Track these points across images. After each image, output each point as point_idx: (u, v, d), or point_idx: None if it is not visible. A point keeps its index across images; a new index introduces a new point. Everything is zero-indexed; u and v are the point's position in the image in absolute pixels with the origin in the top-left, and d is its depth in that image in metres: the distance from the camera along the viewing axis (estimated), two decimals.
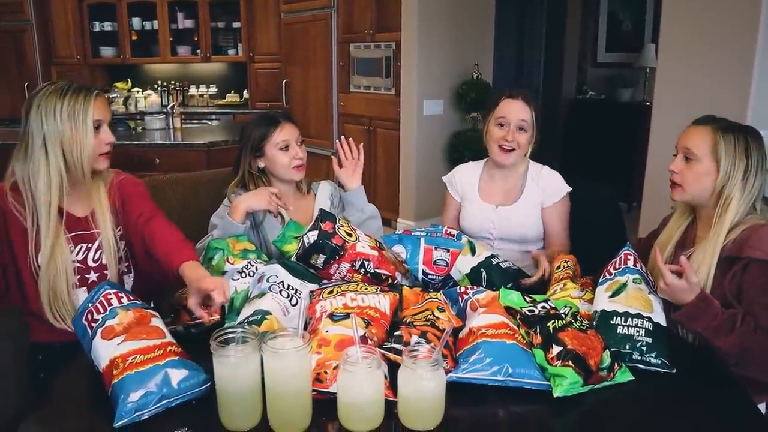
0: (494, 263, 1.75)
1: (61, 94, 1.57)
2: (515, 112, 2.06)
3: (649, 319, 1.38)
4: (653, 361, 1.34)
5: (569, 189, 2.11)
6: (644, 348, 1.34)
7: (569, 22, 5.95)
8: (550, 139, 5.91)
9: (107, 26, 6.45)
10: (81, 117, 1.58)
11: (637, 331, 1.36)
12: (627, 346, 1.35)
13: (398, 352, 1.24)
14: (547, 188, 2.10)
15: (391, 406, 1.17)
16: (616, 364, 1.30)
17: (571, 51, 6.10)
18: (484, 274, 1.73)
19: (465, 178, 2.23)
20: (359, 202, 2.09)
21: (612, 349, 1.32)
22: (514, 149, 2.06)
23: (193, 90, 6.81)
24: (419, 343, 1.27)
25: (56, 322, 1.60)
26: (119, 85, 6.64)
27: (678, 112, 2.97)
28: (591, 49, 6.19)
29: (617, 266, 1.51)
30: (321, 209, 1.72)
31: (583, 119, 5.97)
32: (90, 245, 1.68)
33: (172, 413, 1.19)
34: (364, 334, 1.30)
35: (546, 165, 2.19)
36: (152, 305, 1.53)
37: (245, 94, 6.69)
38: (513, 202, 2.13)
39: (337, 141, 2.15)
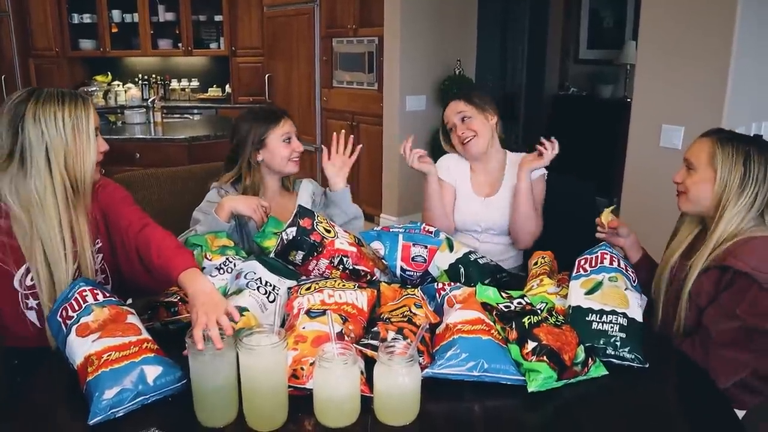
0: (472, 259, 1.76)
1: (58, 101, 1.46)
2: (452, 110, 2.19)
3: (624, 315, 1.40)
4: (627, 355, 1.35)
5: (544, 171, 2.17)
6: (618, 343, 1.36)
7: (551, 18, 5.98)
8: (532, 135, 5.94)
9: (86, 18, 6.37)
10: (84, 125, 1.48)
11: (612, 327, 1.38)
12: (601, 341, 1.36)
13: (375, 348, 1.25)
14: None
15: (367, 402, 1.18)
16: (590, 359, 1.31)
17: (553, 47, 6.13)
18: (462, 270, 1.73)
19: (456, 167, 2.26)
20: (343, 204, 2.12)
21: (586, 344, 1.34)
22: (473, 137, 2.15)
23: (174, 84, 6.74)
24: (396, 339, 1.27)
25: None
26: (99, 78, 6.57)
27: (656, 109, 3.01)
28: (573, 45, 6.22)
29: (593, 264, 1.52)
30: (299, 205, 1.71)
31: (565, 115, 6.00)
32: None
33: (147, 410, 1.18)
34: (341, 330, 1.30)
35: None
36: (129, 302, 1.53)
37: (227, 88, 6.65)
38: (496, 192, 2.20)
39: (334, 133, 2.21)
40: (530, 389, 1.23)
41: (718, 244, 1.51)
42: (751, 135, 1.61)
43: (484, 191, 2.22)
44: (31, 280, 1.49)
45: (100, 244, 1.62)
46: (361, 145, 2.25)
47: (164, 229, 1.58)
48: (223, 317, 1.21)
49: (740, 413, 1.35)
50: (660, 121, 3.00)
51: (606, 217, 1.77)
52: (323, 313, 1.32)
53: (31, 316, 1.52)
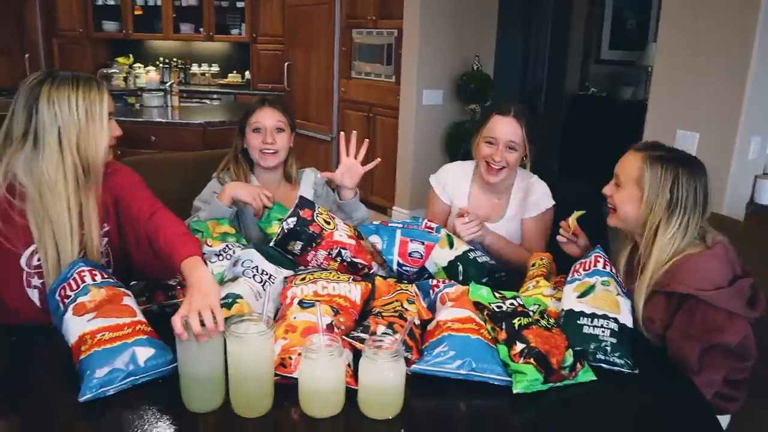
0: (471, 257, 1.76)
1: (73, 84, 1.46)
2: (504, 132, 2.00)
3: (615, 320, 1.40)
4: (617, 361, 1.35)
5: (552, 204, 2.09)
6: (608, 348, 1.36)
7: (574, 18, 5.92)
8: (550, 134, 5.90)
9: (110, 0, 6.42)
10: (97, 110, 1.48)
11: (603, 332, 1.38)
12: (592, 346, 1.36)
13: (364, 341, 1.26)
14: (529, 200, 2.08)
15: (353, 395, 1.19)
16: (578, 363, 1.31)
17: (575, 46, 6.07)
18: (460, 267, 1.73)
19: (455, 184, 2.17)
20: (347, 210, 2.06)
21: (576, 348, 1.34)
22: (503, 167, 2.02)
23: (195, 68, 6.78)
24: (385, 333, 1.28)
25: None
26: (121, 60, 6.63)
27: (671, 113, 2.97)
28: (595, 45, 6.15)
29: (587, 267, 1.52)
30: (300, 196, 1.73)
31: (583, 115, 5.95)
32: (80, 248, 1.53)
33: (138, 391, 1.21)
34: (331, 322, 1.32)
35: (536, 174, 2.15)
36: (133, 284, 1.55)
37: (247, 74, 6.68)
38: (498, 219, 2.10)
39: (342, 134, 2.09)
40: (515, 390, 1.23)
41: (657, 269, 1.48)
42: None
43: (485, 213, 2.07)
44: (38, 260, 1.50)
45: (107, 228, 1.61)
46: (379, 160, 2.14)
47: (174, 215, 1.56)
48: (207, 312, 1.19)
49: (722, 419, 1.35)
50: (675, 126, 2.96)
51: (572, 221, 1.74)
52: (314, 304, 1.33)
53: (34, 295, 1.54)
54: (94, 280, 1.36)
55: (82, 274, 1.36)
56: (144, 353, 1.23)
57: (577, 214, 1.76)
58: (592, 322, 1.39)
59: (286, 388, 1.20)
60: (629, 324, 1.42)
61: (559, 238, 1.75)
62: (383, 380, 1.15)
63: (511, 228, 2.09)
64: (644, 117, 3.19)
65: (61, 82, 1.46)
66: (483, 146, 2.04)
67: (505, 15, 4.93)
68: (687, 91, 2.91)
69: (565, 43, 5.84)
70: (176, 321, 1.17)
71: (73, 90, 1.46)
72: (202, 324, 1.18)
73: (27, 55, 6.13)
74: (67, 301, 1.32)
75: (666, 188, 1.48)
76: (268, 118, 2.04)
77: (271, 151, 2.04)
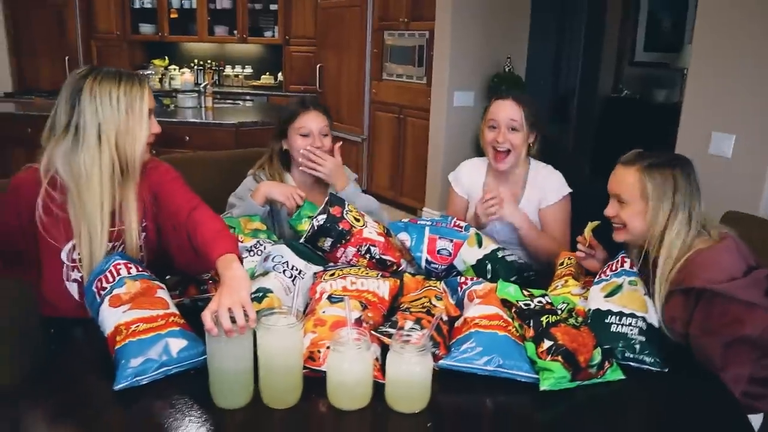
0: (500, 256, 1.76)
1: (115, 79, 1.48)
2: (504, 111, 2.04)
3: (643, 319, 1.39)
4: (646, 359, 1.34)
5: (568, 191, 2.08)
6: (637, 346, 1.35)
7: (608, 19, 5.85)
8: (583, 137, 5.84)
9: (147, 3, 6.57)
10: (138, 106, 1.50)
11: (631, 330, 1.37)
12: (620, 344, 1.35)
13: (391, 336, 1.27)
14: (544, 189, 2.08)
15: (380, 388, 1.20)
16: (606, 362, 1.30)
17: (609, 48, 6.00)
18: (489, 266, 1.74)
19: (471, 176, 2.22)
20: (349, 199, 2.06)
21: (605, 347, 1.33)
22: (508, 151, 2.04)
23: (228, 70, 6.90)
24: (413, 328, 1.29)
25: None
26: (156, 62, 6.76)
27: (706, 115, 2.92)
28: (629, 47, 6.07)
29: (614, 268, 1.51)
30: (330, 194, 1.75)
31: (616, 118, 5.88)
32: (116, 243, 1.57)
33: (170, 381, 1.24)
34: (360, 316, 1.33)
35: (550, 164, 2.16)
36: (168, 278, 1.58)
37: (280, 76, 6.75)
38: None
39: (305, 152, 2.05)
40: (542, 388, 1.23)
41: (669, 269, 1.47)
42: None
43: (507, 195, 2.05)
44: (78, 254, 1.53)
45: (145, 224, 1.62)
46: (340, 142, 2.14)
47: (213, 211, 1.57)
48: (238, 308, 1.18)
49: (754, 418, 1.33)
50: (710, 128, 2.91)
51: (588, 233, 1.73)
52: (343, 299, 1.35)
53: (72, 288, 1.57)
54: (129, 272, 1.40)
55: (118, 266, 1.40)
56: (177, 344, 1.26)
57: (591, 225, 1.74)
58: (620, 320, 1.38)
59: (314, 382, 1.22)
60: (656, 324, 1.41)
61: (577, 253, 1.75)
62: (410, 374, 1.16)
63: (528, 215, 2.08)
64: (678, 119, 3.14)
65: (104, 77, 1.48)
66: (487, 132, 2.07)
67: (538, 16, 4.90)
68: (723, 92, 2.85)
69: (598, 44, 5.78)
70: (206, 316, 1.18)
71: (115, 85, 1.48)
72: (233, 320, 1.18)
73: (67, 58, 6.30)
74: (103, 292, 1.36)
75: (669, 192, 1.49)
76: (314, 122, 2.06)
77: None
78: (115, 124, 1.48)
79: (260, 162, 2.15)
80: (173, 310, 1.35)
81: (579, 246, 1.74)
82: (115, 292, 1.34)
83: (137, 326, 1.27)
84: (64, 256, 1.54)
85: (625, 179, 1.56)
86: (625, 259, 1.53)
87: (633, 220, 1.56)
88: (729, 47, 2.80)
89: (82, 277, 1.54)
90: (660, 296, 1.47)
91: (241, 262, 1.39)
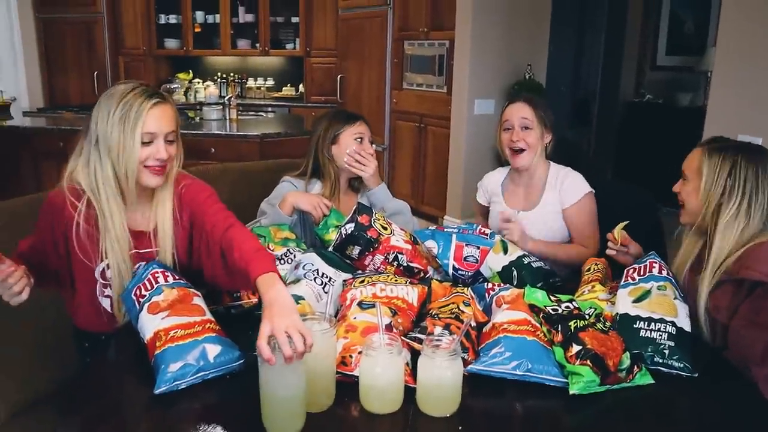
0: (526, 262, 1.78)
1: (122, 96, 1.47)
2: (516, 112, 2.13)
3: (673, 324, 1.39)
4: (675, 364, 1.35)
5: (589, 190, 2.11)
6: (666, 351, 1.35)
7: (629, 23, 5.84)
8: (605, 142, 5.82)
9: (172, 19, 6.70)
10: (130, 126, 1.46)
11: (660, 335, 1.37)
12: (649, 349, 1.36)
13: (421, 342, 1.30)
14: (565, 190, 2.11)
15: (411, 392, 1.23)
16: (636, 366, 1.31)
17: (630, 53, 5.98)
18: (515, 272, 1.76)
19: (492, 181, 2.30)
20: (379, 202, 2.17)
21: (634, 352, 1.34)
22: (524, 149, 2.10)
23: (251, 82, 7.00)
24: (442, 334, 1.32)
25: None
26: (181, 75, 6.90)
27: (732, 118, 2.91)
28: (650, 51, 6.05)
29: (642, 273, 1.52)
30: (358, 203, 1.78)
31: (639, 123, 5.85)
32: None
33: (207, 385, 1.28)
34: (390, 322, 1.36)
35: (569, 167, 2.19)
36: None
37: (301, 87, 6.84)
38: (533, 207, 2.15)
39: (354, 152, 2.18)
40: (572, 391, 1.24)
41: (722, 257, 1.47)
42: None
43: (520, 204, 2.18)
44: (110, 274, 1.55)
45: (176, 245, 1.61)
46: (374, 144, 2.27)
47: (248, 230, 1.56)
48: (296, 333, 1.13)
49: None
50: (736, 131, 2.89)
51: (618, 233, 1.75)
52: (374, 305, 1.38)
53: (106, 303, 1.60)
54: (166, 281, 1.44)
55: (156, 275, 1.45)
56: (213, 350, 1.30)
57: (621, 225, 1.77)
58: (648, 326, 1.39)
59: (346, 386, 1.25)
60: (687, 328, 1.41)
61: (608, 251, 1.76)
62: (441, 378, 1.18)
63: (547, 217, 2.12)
64: (703, 123, 3.13)
65: (115, 92, 1.49)
66: (503, 135, 2.16)
67: (558, 23, 4.92)
68: (749, 95, 2.85)
69: (619, 50, 5.77)
70: (263, 346, 1.10)
71: (118, 101, 1.46)
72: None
73: (96, 73, 6.46)
74: (142, 300, 1.40)
75: (723, 174, 1.50)
76: (366, 129, 2.22)
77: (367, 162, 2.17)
78: (107, 137, 1.47)
79: (299, 171, 2.22)
80: (209, 316, 1.39)
81: (609, 244, 1.76)
82: (153, 299, 1.39)
83: (175, 332, 1.31)
84: (97, 273, 1.56)
85: (691, 156, 1.60)
86: (654, 264, 1.53)
87: (689, 198, 1.58)
88: (754, 49, 2.80)
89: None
90: (709, 283, 1.48)
91: (283, 281, 1.36)
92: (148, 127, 1.48)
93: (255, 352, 1.12)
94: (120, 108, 1.46)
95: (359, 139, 2.18)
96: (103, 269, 1.55)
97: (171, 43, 6.79)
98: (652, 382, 1.31)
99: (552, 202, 2.12)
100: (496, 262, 1.77)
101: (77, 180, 1.52)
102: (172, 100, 1.58)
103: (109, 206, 1.50)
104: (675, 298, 1.46)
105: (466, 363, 1.29)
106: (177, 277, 1.48)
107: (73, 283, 1.60)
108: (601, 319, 1.40)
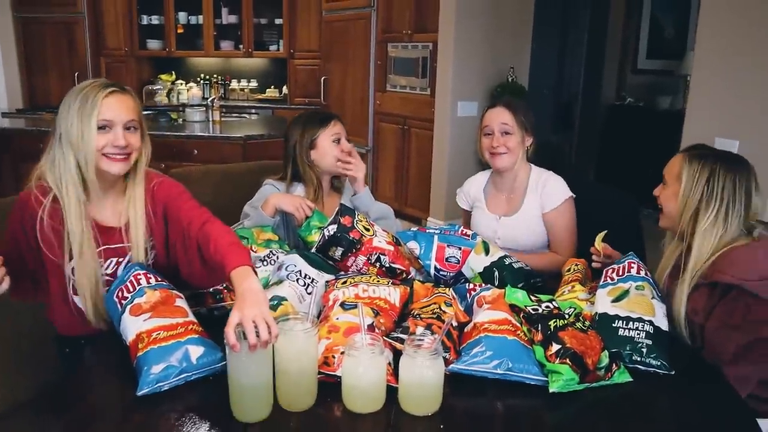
0: (507, 263, 1.80)
1: (81, 90, 1.49)
2: (495, 117, 2.15)
3: (651, 323, 1.42)
4: (653, 362, 1.37)
5: (569, 195, 2.12)
6: (644, 350, 1.38)
7: (610, 27, 5.91)
8: (587, 145, 5.88)
9: (154, 19, 6.66)
10: (86, 114, 1.47)
11: (638, 334, 1.40)
12: (627, 348, 1.38)
13: (403, 341, 1.31)
14: (546, 194, 2.13)
15: (393, 392, 1.24)
16: (614, 364, 1.34)
17: (611, 57, 6.06)
18: (496, 273, 1.77)
19: (473, 187, 2.32)
20: (364, 206, 2.17)
21: (612, 350, 1.36)
22: (505, 153, 2.12)
23: (234, 84, 6.97)
24: (424, 334, 1.33)
25: (97, 324, 1.58)
26: (163, 77, 6.85)
27: (710, 122, 2.96)
28: (631, 55, 6.13)
29: (620, 273, 1.55)
30: (341, 204, 1.79)
31: (620, 126, 5.93)
32: (121, 259, 1.60)
33: (190, 387, 1.28)
34: (372, 323, 1.37)
35: (551, 171, 2.21)
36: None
37: (284, 89, 6.83)
38: (514, 212, 2.16)
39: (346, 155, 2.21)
40: (551, 390, 1.26)
41: (701, 263, 1.50)
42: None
43: (502, 209, 2.20)
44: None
45: (153, 242, 1.63)
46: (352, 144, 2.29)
47: (223, 224, 1.57)
48: (262, 323, 1.18)
49: (763, 423, 1.35)
50: (713, 134, 2.95)
51: (599, 244, 1.78)
52: (356, 306, 1.39)
53: (78, 300, 1.59)
54: (149, 282, 1.44)
55: (138, 277, 1.45)
56: (196, 351, 1.30)
57: (600, 236, 1.80)
58: (627, 324, 1.42)
59: (329, 386, 1.26)
60: (664, 327, 1.44)
61: (594, 265, 1.79)
62: (422, 377, 1.19)
63: (532, 223, 2.14)
64: (682, 126, 3.18)
65: (76, 88, 1.51)
66: (483, 140, 2.18)
67: (540, 26, 4.97)
68: (726, 98, 2.89)
69: (601, 54, 5.84)
70: (230, 333, 1.16)
71: (76, 95, 1.49)
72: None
73: (77, 74, 6.39)
74: (124, 302, 1.40)
75: (702, 181, 1.53)
76: (341, 129, 2.22)
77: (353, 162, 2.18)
78: (67, 131, 1.48)
79: (280, 174, 2.22)
80: (192, 318, 1.39)
81: (594, 257, 1.79)
82: (135, 301, 1.39)
83: (158, 334, 1.31)
84: (68, 270, 1.56)
85: (672, 162, 1.63)
86: (632, 264, 1.56)
87: (667, 202, 1.61)
88: (731, 53, 2.84)
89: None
90: (688, 287, 1.50)
91: (256, 274, 1.38)
92: (103, 114, 1.49)
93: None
94: (79, 100, 1.48)
95: (336, 141, 2.18)
96: (74, 267, 1.55)
97: (153, 44, 6.74)
98: (631, 380, 1.34)
99: (533, 208, 2.14)
100: (477, 262, 1.79)
101: (45, 178, 1.53)
102: (134, 93, 1.60)
103: (69, 197, 1.50)
104: (653, 298, 1.48)
105: (447, 362, 1.31)
106: (159, 279, 1.47)
107: (48, 284, 1.60)
108: (581, 318, 1.43)
